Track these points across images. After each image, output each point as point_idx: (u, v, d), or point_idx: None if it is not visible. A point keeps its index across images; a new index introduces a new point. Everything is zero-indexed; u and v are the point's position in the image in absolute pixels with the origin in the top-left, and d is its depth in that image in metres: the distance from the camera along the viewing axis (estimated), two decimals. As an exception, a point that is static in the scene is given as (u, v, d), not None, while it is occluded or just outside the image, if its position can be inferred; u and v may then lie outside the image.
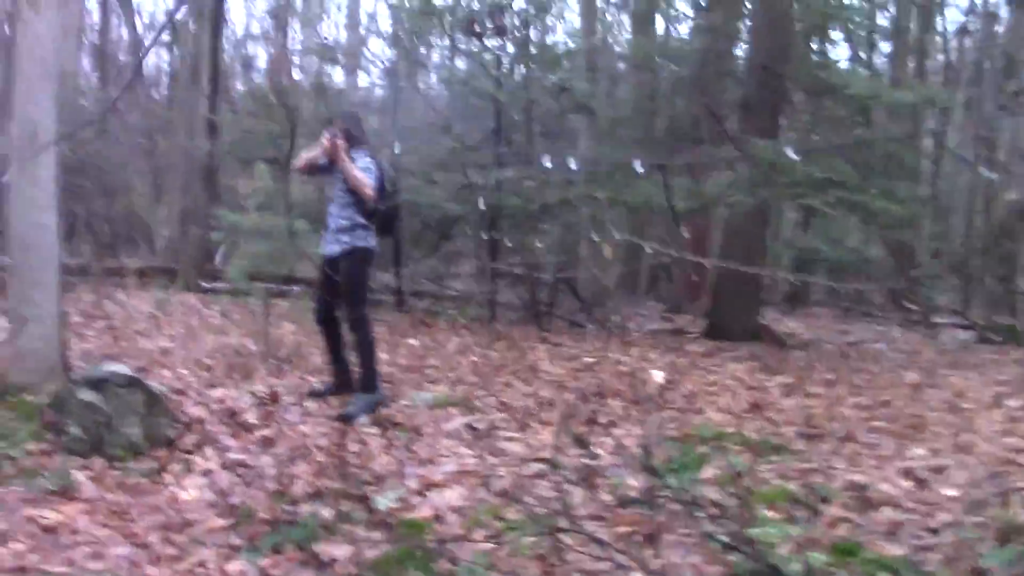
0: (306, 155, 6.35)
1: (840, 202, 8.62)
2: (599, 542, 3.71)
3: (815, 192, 8.69)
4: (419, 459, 5.08)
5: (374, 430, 5.58)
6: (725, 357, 9.30)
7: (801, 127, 11.91)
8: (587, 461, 5.05)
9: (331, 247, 6.16)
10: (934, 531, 4.48)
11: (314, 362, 7.46)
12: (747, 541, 3.83)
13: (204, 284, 13.18)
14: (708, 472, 4.98)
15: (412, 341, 9.21)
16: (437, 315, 11.89)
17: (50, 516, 4.46)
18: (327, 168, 6.21)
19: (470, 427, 5.59)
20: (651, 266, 24.65)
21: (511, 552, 3.80)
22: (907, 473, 5.25)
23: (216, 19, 12.78)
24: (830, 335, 13.88)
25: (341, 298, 6.13)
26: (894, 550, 4.14)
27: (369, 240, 6.15)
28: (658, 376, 5.18)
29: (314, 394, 6.29)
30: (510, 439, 5.39)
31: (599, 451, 5.22)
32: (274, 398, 6.08)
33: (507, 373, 7.57)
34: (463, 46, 12.09)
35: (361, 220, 6.07)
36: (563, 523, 3.87)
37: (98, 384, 5.42)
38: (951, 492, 5.05)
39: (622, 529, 4.11)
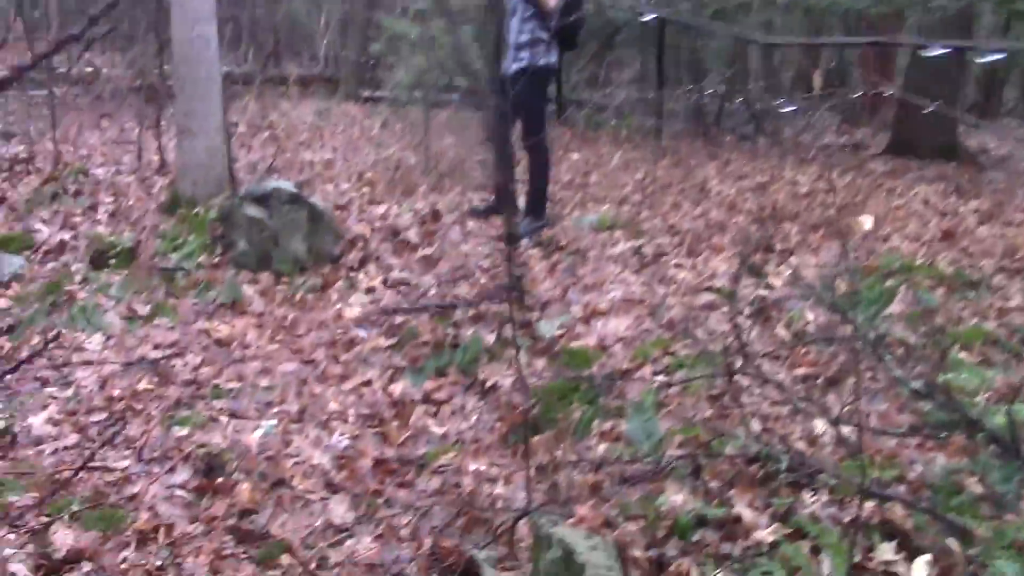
0: None
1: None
2: (778, 385, 3.46)
3: None
4: (584, 285, 4.88)
5: (537, 252, 5.41)
6: (912, 177, 8.63)
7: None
8: (763, 292, 4.76)
9: (510, 63, 5.76)
10: None
11: (476, 178, 7.29)
12: (942, 388, 3.50)
13: (365, 93, 13.11)
14: (896, 308, 4.61)
15: (573, 155, 8.92)
16: (599, 127, 11.49)
17: (222, 329, 4.53)
18: None
19: (637, 252, 5.34)
20: (826, 71, 23.28)
21: (682, 391, 3.60)
22: None
23: None
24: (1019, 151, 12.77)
25: (517, 116, 5.73)
26: (1110, 402, 3.74)
27: (550, 57, 5.74)
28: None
29: (476, 213, 6.12)
30: (679, 266, 5.12)
31: (775, 281, 4.90)
32: (436, 216, 5.96)
33: (674, 192, 7.22)
34: None
35: (542, 34, 5.64)
36: (738, 362, 3.64)
37: (263, 199, 5.41)
38: None
39: (801, 370, 3.84)
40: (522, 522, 2.66)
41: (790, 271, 5.02)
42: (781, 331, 4.33)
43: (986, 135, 14.52)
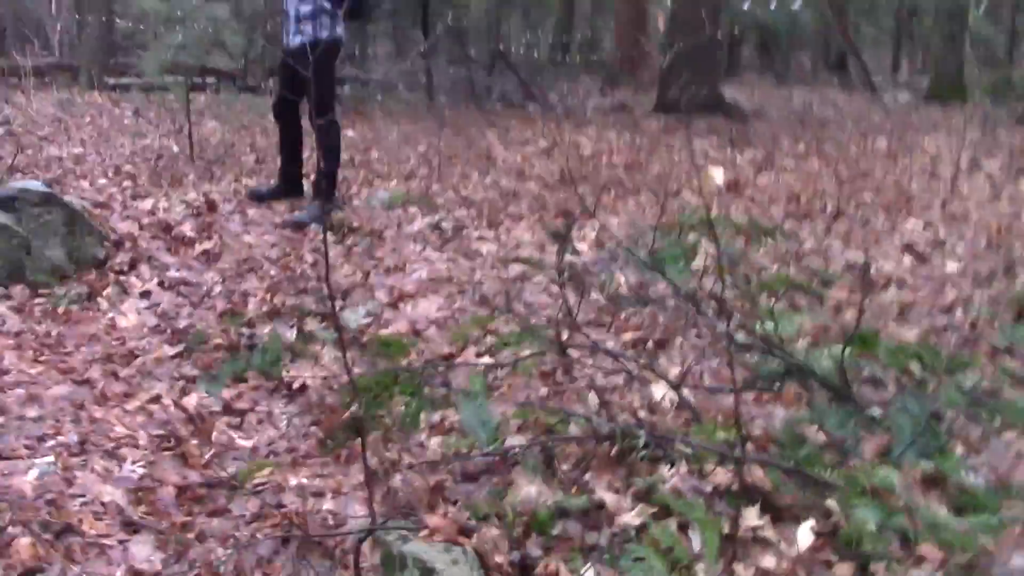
0: None
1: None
2: (610, 354, 3.30)
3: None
4: (385, 267, 4.57)
5: (330, 237, 5.02)
6: (687, 134, 8.82)
7: None
8: (570, 258, 4.60)
9: (293, 38, 5.28)
10: (947, 310, 4.20)
11: (247, 163, 6.80)
12: (765, 339, 3.45)
13: (110, 81, 12.09)
14: (700, 262, 4.57)
15: (348, 132, 8.51)
16: (364, 102, 11.10)
17: (-28, 356, 3.90)
18: None
19: (435, 227, 5.07)
20: (580, 36, 23.80)
21: (511, 371, 3.37)
22: (907, 249, 4.93)
23: None
24: (775, 103, 13.46)
25: (304, 95, 5.29)
26: (909, 334, 3.84)
27: (336, 29, 5.29)
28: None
29: (256, 196, 5.68)
30: (481, 239, 4.89)
31: (582, 247, 4.77)
32: (211, 206, 5.44)
33: (460, 163, 7.00)
34: None
35: (326, 4, 5.18)
36: (565, 334, 3.45)
37: (8, 203, 4.73)
38: (954, 266, 4.77)
39: (628, 335, 3.71)
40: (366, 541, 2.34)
41: (594, 234, 4.90)
42: (596, 296, 4.18)
43: (735, 89, 15.22)
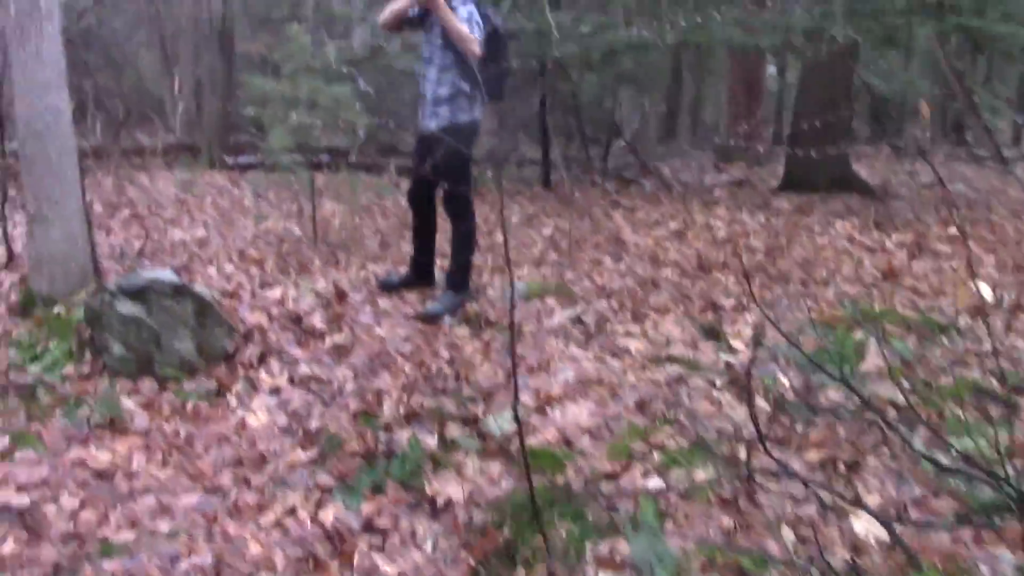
0: (393, 6, 5.02)
1: (958, 28, 7.45)
2: (800, 479, 2.91)
3: (926, 19, 7.53)
4: (527, 366, 4.26)
5: (465, 331, 4.76)
6: (823, 213, 8.39)
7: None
8: (725, 357, 4.24)
9: (429, 121, 5.02)
10: None
11: (371, 248, 6.64)
12: (971, 460, 3.02)
13: (230, 160, 12.24)
14: (871, 362, 4.17)
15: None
16: (475, 180, 10.96)
17: (101, 457, 3.73)
18: (418, 21, 5.05)
19: (577, 321, 4.76)
20: (691, 106, 23.51)
21: (686, 494, 3.01)
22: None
23: None
24: (900, 179, 12.88)
25: (440, 179, 5.07)
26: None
27: (474, 111, 5.02)
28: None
29: (386, 286, 5.44)
30: (627, 335, 4.56)
31: (736, 343, 4.40)
32: (340, 296, 5.24)
33: (590, 247, 6.70)
34: None
35: (465, 86, 4.93)
36: (746, 452, 3.08)
37: (139, 294, 4.60)
38: None
39: (813, 455, 3.31)
40: None
41: (748, 329, 4.53)
42: (760, 402, 3.80)
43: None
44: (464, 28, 4.76)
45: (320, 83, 6.76)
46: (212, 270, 5.86)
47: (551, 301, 5.03)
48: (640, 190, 11.18)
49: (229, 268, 5.96)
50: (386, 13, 5.07)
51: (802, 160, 10.28)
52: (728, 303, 4.97)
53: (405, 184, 10.29)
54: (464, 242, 5.11)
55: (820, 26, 7.45)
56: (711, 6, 9.58)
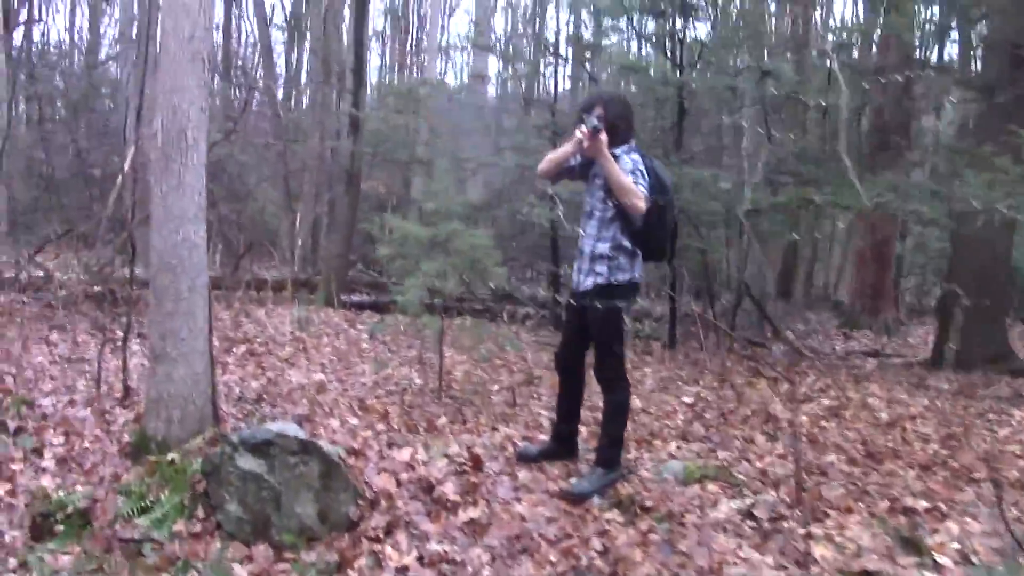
0: (553, 154, 4.73)
1: None
2: None
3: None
4: (696, 568, 3.67)
5: (617, 516, 4.19)
6: (991, 397, 7.66)
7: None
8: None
9: (585, 279, 4.61)
10: None
11: (498, 405, 6.18)
12: None
13: (347, 298, 12.08)
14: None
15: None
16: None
17: (207, 633, 3.25)
18: (580, 171, 4.71)
19: (748, 515, 4.16)
20: (808, 269, 22.86)
21: None
22: None
23: (360, 7, 11.62)
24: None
25: (593, 342, 4.67)
26: None
27: (635, 271, 4.60)
28: None
29: (526, 457, 4.91)
30: (809, 536, 3.93)
31: (941, 558, 3.73)
32: (475, 463, 4.74)
33: (740, 422, 6.11)
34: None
35: (627, 243, 4.54)
36: None
37: (262, 448, 4.19)
38: None
39: None
40: None
41: (953, 542, 3.87)
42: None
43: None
44: (628, 179, 4.36)
45: (459, 226, 6.46)
46: (335, 422, 5.45)
47: (713, 488, 4.44)
48: (763, 352, 10.58)
49: (353, 421, 5.54)
50: (546, 162, 4.74)
51: (955, 333, 9.59)
52: (919, 504, 4.31)
53: (525, 335, 9.99)
54: (617, 413, 4.59)
55: (988, 197, 6.90)
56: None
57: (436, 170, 6.81)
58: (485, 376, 7.45)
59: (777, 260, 17.38)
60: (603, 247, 4.53)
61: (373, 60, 28.10)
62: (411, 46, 26.46)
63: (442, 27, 26.96)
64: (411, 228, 6.39)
